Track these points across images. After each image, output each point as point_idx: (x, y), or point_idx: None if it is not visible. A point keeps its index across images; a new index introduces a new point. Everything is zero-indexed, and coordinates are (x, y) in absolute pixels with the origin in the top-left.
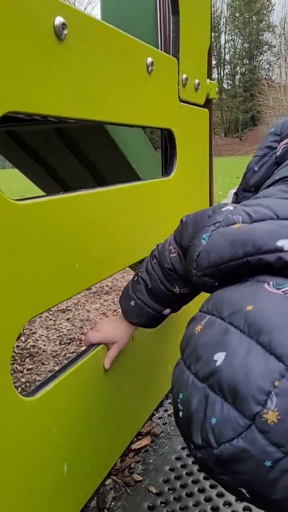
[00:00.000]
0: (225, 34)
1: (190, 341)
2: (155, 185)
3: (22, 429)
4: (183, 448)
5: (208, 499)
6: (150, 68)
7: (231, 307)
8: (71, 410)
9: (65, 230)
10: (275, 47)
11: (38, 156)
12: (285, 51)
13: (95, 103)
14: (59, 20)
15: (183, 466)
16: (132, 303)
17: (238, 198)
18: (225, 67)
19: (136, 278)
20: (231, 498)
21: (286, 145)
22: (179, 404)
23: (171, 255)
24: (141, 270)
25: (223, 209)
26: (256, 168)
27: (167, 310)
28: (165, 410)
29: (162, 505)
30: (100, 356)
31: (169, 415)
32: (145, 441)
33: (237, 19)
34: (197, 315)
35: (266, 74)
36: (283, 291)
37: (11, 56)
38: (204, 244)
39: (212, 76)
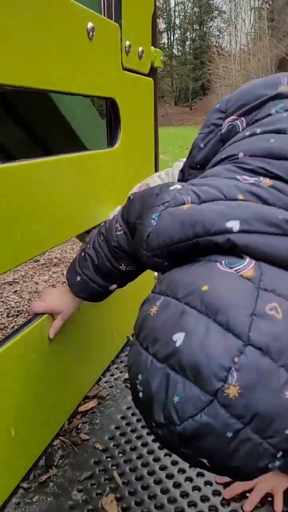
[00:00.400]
0: None
1: (146, 323)
2: (99, 155)
3: None
4: (128, 408)
5: (150, 452)
6: (91, 33)
7: (186, 288)
8: (16, 377)
9: (6, 200)
10: (225, 13)
11: None
12: (235, 17)
13: (30, 69)
14: None
15: (127, 424)
16: (78, 278)
17: (184, 176)
18: (175, 31)
19: (83, 254)
20: None
21: (231, 123)
22: (138, 386)
23: (118, 233)
24: (88, 246)
25: (170, 187)
26: (201, 145)
27: (113, 286)
28: (112, 375)
29: (108, 459)
30: (45, 326)
31: (115, 379)
32: (92, 403)
33: None
34: (151, 296)
35: (216, 42)
36: (235, 270)
37: None
38: (154, 224)
39: (162, 41)
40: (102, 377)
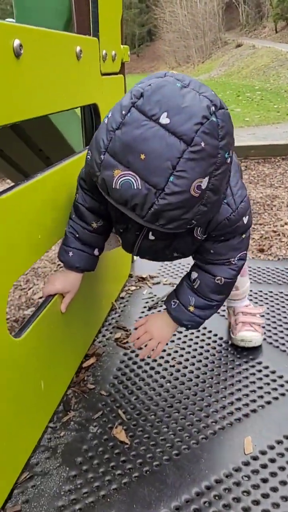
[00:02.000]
0: None
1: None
2: (85, 156)
3: (15, 361)
4: (121, 362)
5: (144, 393)
6: (79, 56)
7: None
8: (43, 343)
9: (31, 210)
10: None
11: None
12: None
13: (44, 102)
14: (17, 42)
15: (123, 374)
16: (70, 253)
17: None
18: None
19: (65, 236)
20: (160, 390)
21: None
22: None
23: (77, 199)
24: (66, 228)
25: None
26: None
27: (96, 250)
28: (103, 335)
29: (112, 402)
30: (58, 302)
31: (107, 339)
32: (92, 360)
33: None
34: None
35: None
36: None
37: None
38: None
39: None
40: (96, 338)
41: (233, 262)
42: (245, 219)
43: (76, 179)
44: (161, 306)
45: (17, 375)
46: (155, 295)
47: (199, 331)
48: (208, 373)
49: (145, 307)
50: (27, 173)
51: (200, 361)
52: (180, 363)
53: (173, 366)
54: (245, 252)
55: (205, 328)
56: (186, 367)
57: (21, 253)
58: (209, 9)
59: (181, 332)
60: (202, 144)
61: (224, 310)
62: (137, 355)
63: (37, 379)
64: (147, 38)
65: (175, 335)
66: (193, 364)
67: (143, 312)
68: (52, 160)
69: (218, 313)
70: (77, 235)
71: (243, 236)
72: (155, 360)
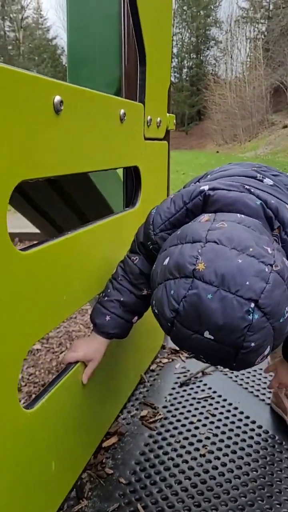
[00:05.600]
0: (173, 27)
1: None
2: (123, 217)
3: (23, 435)
4: (146, 445)
5: (168, 486)
6: (123, 119)
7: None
8: (58, 417)
9: (58, 269)
10: (221, 42)
11: (34, 202)
12: (230, 47)
13: (82, 159)
14: (57, 98)
15: (146, 460)
16: (108, 318)
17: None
18: (173, 60)
19: (105, 299)
20: (187, 484)
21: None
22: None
23: (135, 262)
24: (108, 291)
25: None
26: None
27: (135, 318)
28: (128, 412)
29: (131, 493)
30: (79, 371)
31: (132, 416)
32: (113, 439)
33: (185, 13)
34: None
35: (212, 70)
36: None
37: (16, 132)
38: (153, 212)
39: None
40: (120, 414)
41: None
42: None
43: (111, 240)
44: (193, 382)
45: (23, 453)
46: (188, 370)
47: (235, 415)
48: (243, 467)
49: (176, 382)
50: (62, 229)
51: (235, 452)
52: (211, 452)
53: (204, 455)
54: None
55: (242, 413)
56: (218, 458)
57: (41, 314)
58: (257, 93)
59: (214, 416)
60: (252, 344)
61: (264, 394)
62: (163, 438)
63: (48, 459)
64: (196, 117)
65: (207, 418)
66: (227, 455)
67: (173, 388)
68: (88, 217)
69: (257, 396)
70: (121, 299)
71: None
72: (184, 447)
